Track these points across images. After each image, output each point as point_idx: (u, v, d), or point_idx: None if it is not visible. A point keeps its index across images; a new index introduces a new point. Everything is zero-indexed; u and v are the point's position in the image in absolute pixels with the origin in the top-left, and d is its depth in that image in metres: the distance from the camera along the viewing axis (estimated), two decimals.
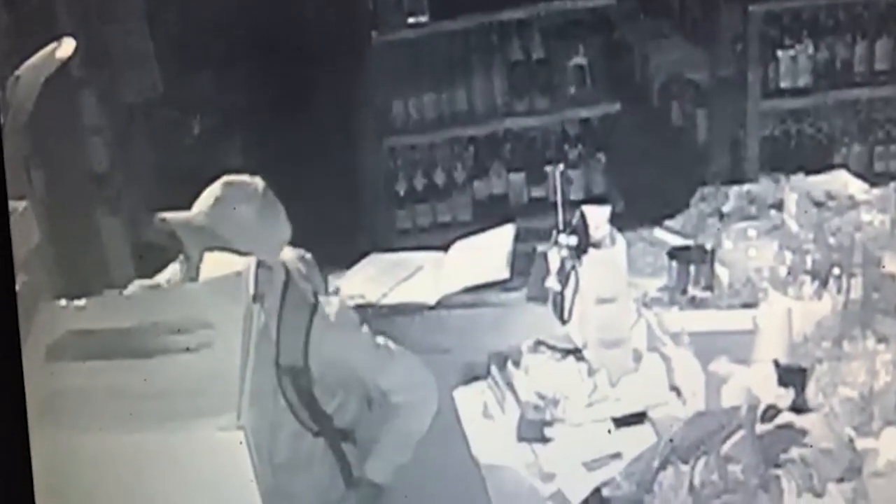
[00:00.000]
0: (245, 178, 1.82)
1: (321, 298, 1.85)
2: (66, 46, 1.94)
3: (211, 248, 1.71)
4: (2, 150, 1.51)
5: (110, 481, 1.39)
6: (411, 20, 2.91)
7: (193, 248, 1.75)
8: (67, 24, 2.08)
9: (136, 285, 1.75)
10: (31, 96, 1.85)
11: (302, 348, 1.79)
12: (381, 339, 1.88)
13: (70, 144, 2.10)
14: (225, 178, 1.81)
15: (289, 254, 1.89)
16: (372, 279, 2.35)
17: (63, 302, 1.55)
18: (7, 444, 1.36)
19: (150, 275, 1.79)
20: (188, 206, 1.83)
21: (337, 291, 2.14)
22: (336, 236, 2.53)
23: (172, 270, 1.78)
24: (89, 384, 1.40)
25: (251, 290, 1.51)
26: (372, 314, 1.97)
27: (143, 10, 2.40)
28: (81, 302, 1.52)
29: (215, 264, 1.60)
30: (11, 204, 1.48)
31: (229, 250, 1.69)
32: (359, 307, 2.09)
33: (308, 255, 1.93)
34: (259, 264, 1.72)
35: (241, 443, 1.35)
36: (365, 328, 1.87)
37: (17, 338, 1.41)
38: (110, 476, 1.39)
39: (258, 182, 1.82)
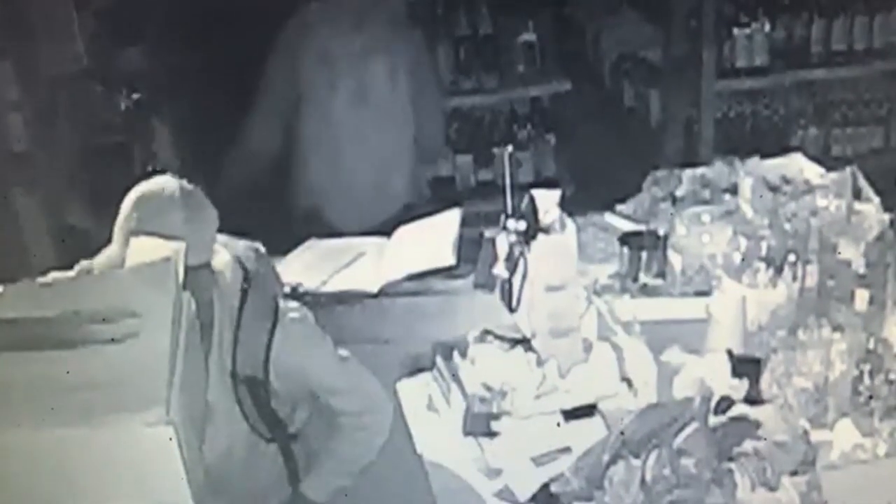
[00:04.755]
0: (158, 184, 1.74)
1: (282, 305, 1.82)
2: None
3: (136, 233, 1.67)
4: None
5: (31, 480, 1.36)
6: None
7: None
8: None
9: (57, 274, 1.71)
10: None
11: (262, 360, 1.77)
12: (343, 352, 1.86)
13: None
14: (135, 195, 1.72)
15: (241, 248, 1.84)
16: (310, 266, 2.32)
17: None
18: None
19: (72, 260, 1.75)
20: (112, 187, 1.78)
21: (297, 294, 2.09)
22: (271, 220, 2.50)
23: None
24: (7, 376, 1.38)
25: (180, 277, 1.48)
26: (311, 303, 1.95)
27: None
28: None
29: (141, 250, 1.57)
30: None
31: (157, 235, 1.66)
32: (296, 295, 2.07)
33: (261, 248, 1.89)
34: (201, 263, 1.68)
35: (170, 438, 1.33)
36: (328, 340, 1.85)
37: None
38: (31, 474, 1.36)
39: (172, 185, 1.74)
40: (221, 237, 1.81)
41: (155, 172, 1.77)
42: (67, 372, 1.37)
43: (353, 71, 2.72)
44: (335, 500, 1.89)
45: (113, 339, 1.39)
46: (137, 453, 1.35)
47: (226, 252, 1.83)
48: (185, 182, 1.75)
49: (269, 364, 1.79)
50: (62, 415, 1.35)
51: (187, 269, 1.47)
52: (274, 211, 2.68)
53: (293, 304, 1.87)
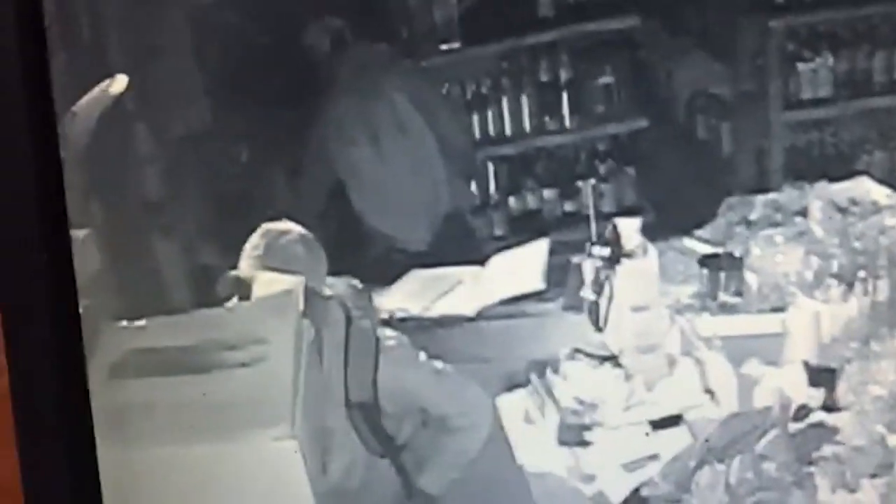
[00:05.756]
0: (282, 226, 1.85)
1: (380, 334, 1.88)
2: (119, 83, 1.98)
3: (261, 268, 1.74)
4: (63, 182, 1.55)
5: (173, 492, 1.41)
6: (444, 47, 2.94)
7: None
8: (119, 62, 2.12)
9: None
10: (87, 130, 1.90)
11: (371, 386, 1.83)
12: (439, 365, 1.90)
13: (126, 175, 2.14)
14: (262, 231, 1.84)
15: (340, 287, 1.91)
16: (414, 294, 2.36)
17: (125, 323, 1.59)
18: (77, 460, 1.39)
19: (205, 295, 1.82)
20: (237, 230, 1.86)
21: (389, 322, 2.15)
22: (376, 255, 2.55)
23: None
24: (151, 400, 1.43)
25: (300, 307, 1.53)
26: (415, 327, 1.99)
27: (190, 46, 2.44)
28: (142, 322, 1.55)
29: (266, 284, 1.63)
30: (73, 233, 1.51)
31: (279, 271, 1.73)
32: (402, 320, 2.11)
33: (358, 284, 1.95)
34: (311, 293, 1.75)
35: (295, 451, 1.37)
36: (422, 356, 1.90)
37: (82, 358, 1.45)
38: (173, 487, 1.41)
39: (294, 228, 1.85)
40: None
41: (275, 218, 1.88)
42: (204, 394, 1.43)
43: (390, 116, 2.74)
44: (450, 493, 1.90)
45: (243, 364, 1.44)
46: (267, 465, 1.39)
47: (329, 290, 1.89)
48: (302, 227, 1.84)
49: (377, 388, 1.83)
50: (200, 432, 1.40)
51: (306, 300, 1.53)
52: (360, 243, 2.72)
53: (389, 331, 1.92)
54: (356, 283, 1.95)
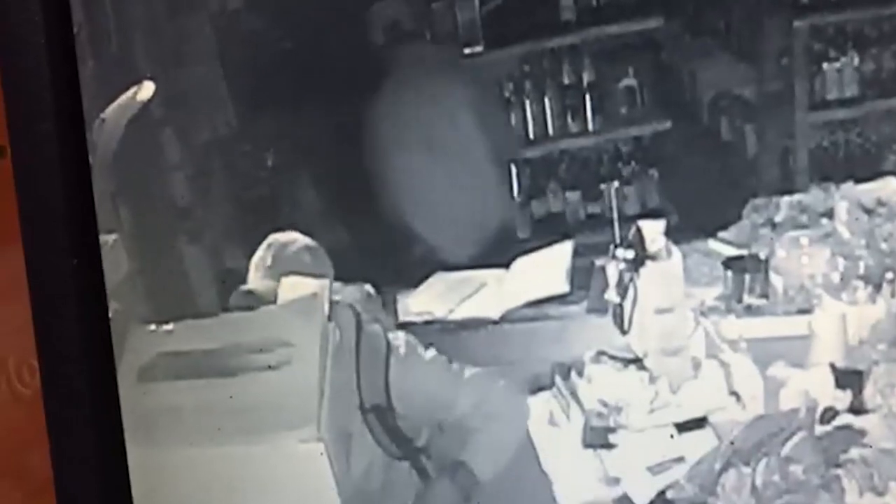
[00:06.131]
0: (287, 236, 1.87)
1: (390, 336, 1.89)
2: (147, 89, 2.01)
3: (287, 273, 1.76)
4: (92, 187, 1.57)
5: (201, 493, 1.43)
6: (467, 51, 2.95)
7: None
8: (146, 69, 2.15)
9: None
10: (115, 137, 1.92)
11: (383, 389, 1.84)
12: (455, 366, 1.91)
13: (153, 180, 2.17)
14: (268, 243, 1.88)
15: (353, 294, 1.93)
16: (438, 296, 2.37)
17: (153, 326, 1.61)
18: (108, 461, 1.41)
19: (231, 298, 1.85)
20: (263, 234, 1.89)
21: (403, 327, 2.16)
22: (401, 259, 2.56)
23: None
24: (179, 402, 1.45)
25: (326, 310, 1.55)
26: (440, 329, 2.00)
27: (215, 52, 2.47)
28: (170, 326, 1.57)
29: (292, 287, 1.65)
30: (102, 238, 1.54)
31: (304, 274, 1.75)
32: (427, 323, 2.13)
33: (372, 291, 1.97)
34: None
35: (321, 454, 1.39)
36: (432, 353, 1.90)
37: (111, 362, 1.47)
38: (201, 488, 1.43)
39: (300, 237, 1.88)
40: (336, 284, 1.90)
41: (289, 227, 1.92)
42: (231, 396, 1.45)
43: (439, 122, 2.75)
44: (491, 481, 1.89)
45: (269, 367, 1.46)
46: (293, 467, 1.41)
47: (338, 296, 1.90)
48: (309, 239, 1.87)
49: (390, 388, 1.85)
50: (227, 434, 1.41)
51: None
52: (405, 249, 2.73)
53: (401, 334, 1.93)
54: (369, 288, 1.96)
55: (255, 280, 1.81)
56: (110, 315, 1.48)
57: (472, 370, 1.92)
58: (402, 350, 1.89)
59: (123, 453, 1.43)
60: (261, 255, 1.86)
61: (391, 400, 1.85)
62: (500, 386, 1.93)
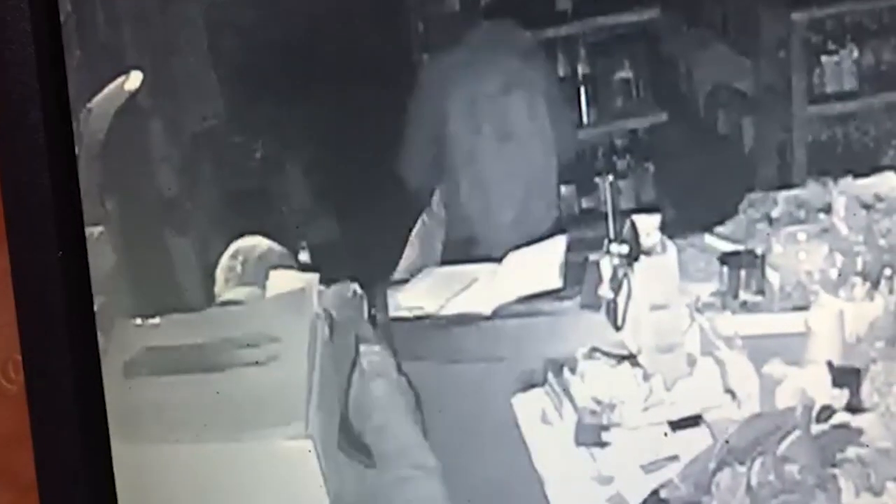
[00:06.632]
0: (251, 241, 1.83)
1: (362, 349, 1.84)
2: (134, 79, 1.99)
3: (275, 267, 1.74)
4: (78, 179, 1.55)
5: (187, 490, 1.42)
6: None
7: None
8: (134, 58, 2.13)
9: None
10: (102, 127, 1.90)
11: (344, 401, 1.79)
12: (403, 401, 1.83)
13: (140, 171, 2.15)
14: (233, 247, 1.83)
15: (330, 299, 1.87)
16: (429, 291, 2.35)
17: (139, 320, 1.59)
18: (92, 457, 1.39)
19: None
20: (251, 227, 1.86)
21: (380, 341, 2.11)
22: (390, 252, 2.54)
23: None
24: (165, 398, 1.44)
25: (314, 305, 1.53)
26: (430, 325, 1.98)
27: (204, 42, 2.45)
28: (156, 320, 1.56)
29: (280, 281, 1.63)
30: (88, 230, 1.52)
31: (293, 267, 1.72)
32: (418, 318, 2.11)
33: (358, 289, 1.92)
34: None
35: (309, 451, 1.38)
36: (394, 375, 1.85)
37: (96, 356, 1.45)
38: (187, 485, 1.42)
39: (264, 241, 1.83)
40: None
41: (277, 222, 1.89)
42: (217, 392, 1.43)
43: (495, 107, 2.70)
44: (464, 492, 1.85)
45: (257, 362, 1.44)
46: (281, 465, 1.40)
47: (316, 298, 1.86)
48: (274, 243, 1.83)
49: (349, 400, 1.80)
50: (214, 431, 1.40)
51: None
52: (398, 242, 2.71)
53: (374, 347, 1.88)
54: (356, 287, 1.92)
55: (228, 289, 1.77)
56: (96, 308, 1.46)
57: (467, 370, 1.89)
58: (365, 368, 1.85)
59: (109, 449, 1.41)
60: (228, 266, 1.81)
61: (349, 413, 1.81)
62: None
